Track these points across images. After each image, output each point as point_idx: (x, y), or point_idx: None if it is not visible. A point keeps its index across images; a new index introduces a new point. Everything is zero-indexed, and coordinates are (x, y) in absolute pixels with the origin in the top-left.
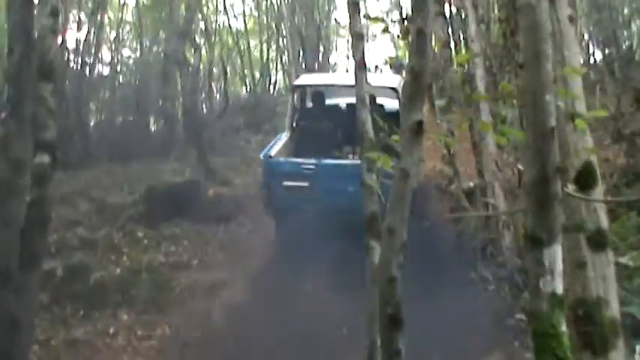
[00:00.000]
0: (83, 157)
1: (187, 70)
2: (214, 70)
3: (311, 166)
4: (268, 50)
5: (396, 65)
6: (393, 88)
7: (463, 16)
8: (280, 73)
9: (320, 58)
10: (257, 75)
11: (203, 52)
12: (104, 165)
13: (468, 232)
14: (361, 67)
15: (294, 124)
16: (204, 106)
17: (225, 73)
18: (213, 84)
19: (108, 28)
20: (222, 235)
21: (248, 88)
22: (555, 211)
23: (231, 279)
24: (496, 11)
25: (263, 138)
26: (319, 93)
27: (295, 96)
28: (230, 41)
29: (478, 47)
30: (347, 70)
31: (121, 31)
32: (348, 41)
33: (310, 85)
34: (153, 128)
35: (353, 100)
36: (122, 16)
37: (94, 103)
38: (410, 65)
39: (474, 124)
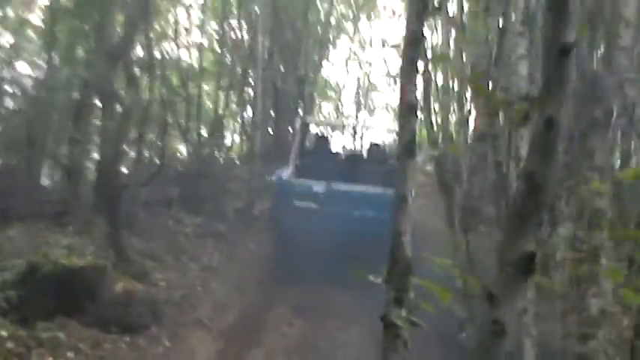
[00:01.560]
0: None
1: (114, 108)
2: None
3: (321, 189)
4: (227, 101)
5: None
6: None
7: None
8: (237, 136)
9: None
10: (205, 133)
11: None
12: None
13: None
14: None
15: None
16: (127, 164)
17: (165, 123)
18: (145, 135)
19: None
20: (126, 351)
21: (190, 149)
22: None
23: None
24: None
25: (202, 222)
26: (324, 138)
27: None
28: (175, 80)
29: None
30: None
31: (18, 37)
32: (338, 106)
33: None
34: (47, 182)
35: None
36: (23, 16)
37: None
38: (527, 170)
39: None
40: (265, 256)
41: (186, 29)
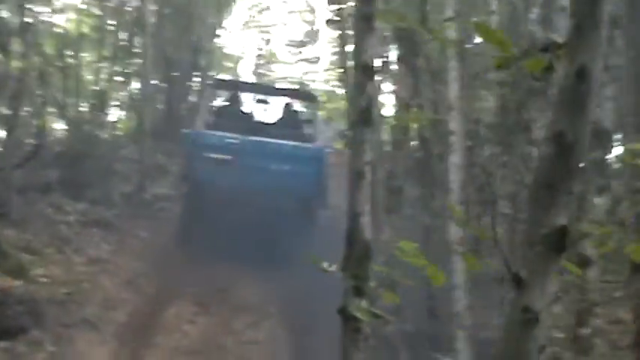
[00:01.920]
0: None
1: None
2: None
3: (235, 141)
4: (111, 72)
5: None
6: (309, 94)
7: None
8: (124, 111)
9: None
10: (86, 107)
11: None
12: None
13: None
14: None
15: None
16: None
17: (43, 98)
18: (21, 112)
19: None
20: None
21: (70, 126)
22: None
23: None
24: None
25: (87, 209)
26: (236, 94)
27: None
28: (50, 49)
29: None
30: None
31: None
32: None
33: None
34: None
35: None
36: None
37: None
38: (555, 130)
39: None
40: (160, 246)
41: None
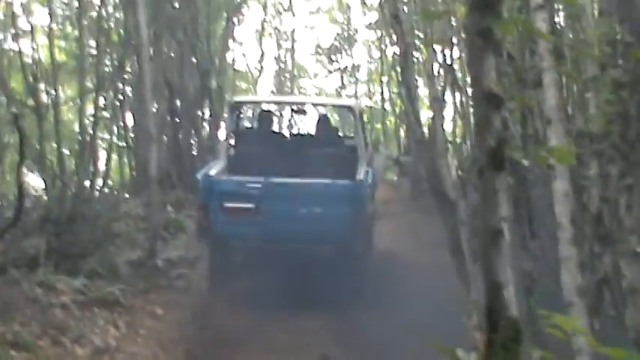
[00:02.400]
0: None
1: None
2: None
3: (257, 185)
4: (97, 107)
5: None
6: (349, 107)
7: None
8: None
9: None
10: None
11: None
12: None
13: None
14: None
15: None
16: None
17: (22, 138)
18: None
19: None
20: None
21: (52, 180)
22: None
23: None
24: None
25: (85, 285)
26: (267, 114)
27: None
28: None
29: None
30: None
31: None
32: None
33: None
34: None
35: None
36: None
37: None
38: None
39: None
40: (182, 324)
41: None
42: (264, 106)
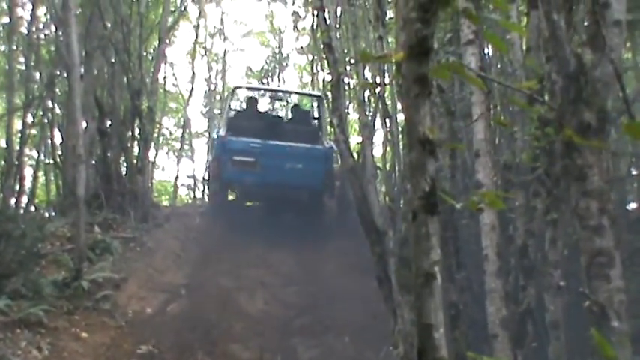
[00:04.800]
0: None
1: None
2: None
3: (257, 145)
4: (24, 125)
5: None
6: (318, 96)
7: None
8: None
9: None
10: None
11: None
12: None
13: None
14: None
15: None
16: None
17: None
18: None
19: None
20: None
21: None
22: None
23: None
24: None
25: (8, 306)
26: (252, 99)
27: (233, 97)
28: None
29: None
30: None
31: None
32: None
33: (246, 88)
34: None
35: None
36: None
37: None
38: None
39: None
40: (106, 347)
41: None
42: (249, 93)
